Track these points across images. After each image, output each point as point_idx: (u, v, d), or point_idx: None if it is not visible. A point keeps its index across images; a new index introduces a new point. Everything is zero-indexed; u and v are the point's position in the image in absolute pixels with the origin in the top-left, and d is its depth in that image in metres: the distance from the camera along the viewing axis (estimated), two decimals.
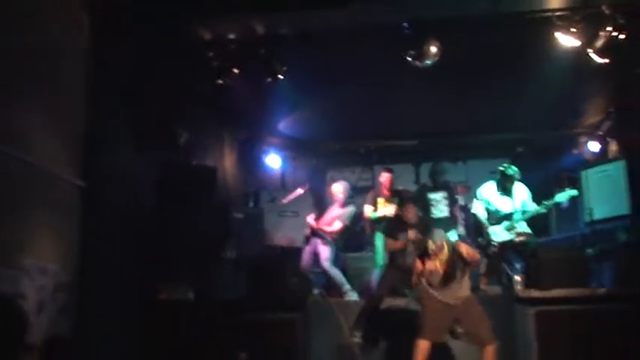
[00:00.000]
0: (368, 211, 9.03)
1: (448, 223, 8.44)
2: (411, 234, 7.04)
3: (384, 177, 9.27)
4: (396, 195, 9.05)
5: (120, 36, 6.50)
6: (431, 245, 5.85)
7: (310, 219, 9.06)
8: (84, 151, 6.07)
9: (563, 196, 7.89)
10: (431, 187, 8.86)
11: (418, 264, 6.03)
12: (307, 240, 8.94)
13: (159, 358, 6.32)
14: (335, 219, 8.96)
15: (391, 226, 7.51)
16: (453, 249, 5.92)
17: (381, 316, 7.33)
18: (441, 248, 5.82)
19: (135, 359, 6.21)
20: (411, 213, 7.24)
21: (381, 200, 9.01)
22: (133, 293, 6.49)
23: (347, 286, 8.65)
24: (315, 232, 8.90)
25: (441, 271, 5.84)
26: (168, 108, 7.53)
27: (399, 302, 7.39)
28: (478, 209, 8.35)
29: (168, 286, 6.74)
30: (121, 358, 6.08)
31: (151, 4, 6.56)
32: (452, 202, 8.69)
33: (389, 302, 7.39)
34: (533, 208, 8.04)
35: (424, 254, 5.95)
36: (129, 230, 6.55)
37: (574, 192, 7.96)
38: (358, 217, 9.67)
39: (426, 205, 8.69)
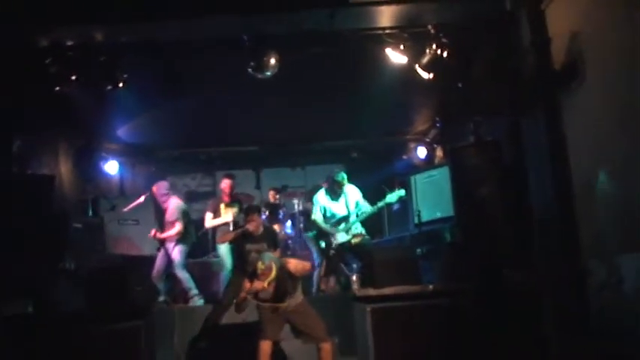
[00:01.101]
0: (208, 219, 9.15)
1: None
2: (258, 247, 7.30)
3: (225, 183, 9.42)
4: (236, 200, 9.26)
5: None
6: (260, 266, 6.07)
7: (152, 232, 9.03)
8: None
9: (392, 197, 8.39)
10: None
11: (246, 283, 6.27)
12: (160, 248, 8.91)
13: None
14: (173, 222, 9.00)
15: (239, 240, 7.65)
16: (282, 268, 6.19)
17: (225, 322, 7.49)
18: (269, 269, 6.05)
19: None
20: (255, 224, 7.43)
21: (222, 206, 9.15)
22: None
23: (194, 291, 8.71)
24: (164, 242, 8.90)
25: (269, 289, 6.10)
26: (0, 114, 7.24)
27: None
28: (316, 215, 8.73)
29: (5, 301, 6.47)
30: None
31: None
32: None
33: (232, 309, 7.56)
34: (366, 208, 8.52)
35: (253, 275, 6.17)
36: None
37: (402, 192, 8.48)
38: (199, 223, 9.76)
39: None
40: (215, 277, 9.26)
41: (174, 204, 9.13)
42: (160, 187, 9.27)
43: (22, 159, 7.82)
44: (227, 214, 9.08)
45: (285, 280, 6.20)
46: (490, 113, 7.75)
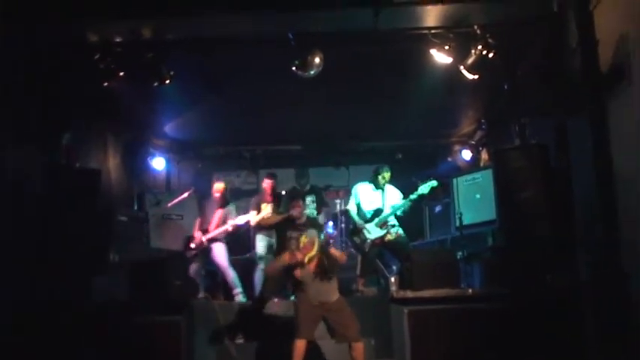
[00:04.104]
0: (252, 217, 9.20)
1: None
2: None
3: (267, 183, 9.48)
4: (279, 199, 9.30)
5: (5, 33, 6.38)
6: (303, 239, 6.12)
7: (199, 235, 9.10)
8: None
9: (424, 188, 8.34)
10: (300, 190, 9.14)
11: (285, 256, 6.31)
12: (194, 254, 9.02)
13: None
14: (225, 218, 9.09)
15: (280, 227, 7.71)
16: (322, 248, 6.23)
17: (263, 319, 7.54)
18: (312, 244, 6.11)
19: None
20: (299, 210, 7.50)
21: (264, 205, 9.20)
22: (8, 299, 6.32)
23: (239, 289, 8.79)
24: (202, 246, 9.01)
25: (309, 267, 6.14)
26: (51, 108, 7.42)
27: (279, 306, 7.63)
28: (351, 205, 8.71)
29: (49, 290, 6.62)
30: None
31: (37, 5, 6.48)
32: (319, 205, 8.95)
33: (270, 306, 7.62)
34: (399, 203, 8.49)
35: (295, 248, 6.22)
36: (5, 233, 6.40)
37: (434, 183, 8.42)
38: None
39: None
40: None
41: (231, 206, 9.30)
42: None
43: (71, 152, 7.97)
44: (266, 208, 9.13)
45: (324, 262, 6.24)
46: (536, 115, 7.63)
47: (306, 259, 6.14)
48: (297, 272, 6.28)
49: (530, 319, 6.37)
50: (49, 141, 7.59)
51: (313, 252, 6.11)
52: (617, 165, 5.89)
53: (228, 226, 8.94)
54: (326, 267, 6.26)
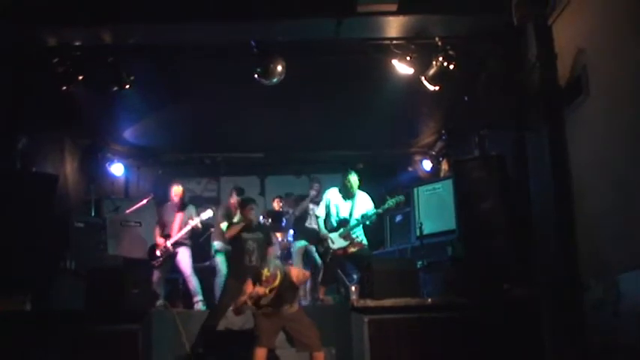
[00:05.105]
0: (224, 227, 9.09)
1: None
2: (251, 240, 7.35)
3: (235, 199, 9.41)
4: None
5: None
6: (265, 273, 6.12)
7: (161, 241, 8.96)
8: None
9: (391, 202, 8.31)
10: (315, 199, 9.17)
11: (248, 287, 6.29)
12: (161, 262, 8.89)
13: None
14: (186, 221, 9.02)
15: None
16: (285, 276, 6.24)
17: (223, 328, 7.48)
18: (274, 277, 6.12)
19: None
20: (251, 212, 7.52)
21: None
22: None
23: (199, 297, 8.71)
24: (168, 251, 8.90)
25: (270, 296, 6.15)
26: (6, 112, 7.28)
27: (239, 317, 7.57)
28: (320, 211, 8.66)
29: (4, 296, 6.47)
30: None
31: None
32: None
33: (230, 314, 7.55)
34: (365, 213, 8.46)
35: (257, 280, 6.21)
36: None
37: (401, 197, 8.41)
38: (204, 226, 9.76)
39: (305, 215, 9.49)
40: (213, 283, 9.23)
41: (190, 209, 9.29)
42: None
43: (27, 157, 7.82)
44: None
45: (287, 289, 6.25)
46: (495, 127, 7.72)
47: (267, 290, 6.14)
48: (257, 304, 6.27)
49: (488, 328, 6.43)
50: (4, 145, 7.43)
51: (276, 283, 6.12)
52: (574, 176, 5.99)
53: (196, 223, 8.90)
54: (288, 294, 6.27)
